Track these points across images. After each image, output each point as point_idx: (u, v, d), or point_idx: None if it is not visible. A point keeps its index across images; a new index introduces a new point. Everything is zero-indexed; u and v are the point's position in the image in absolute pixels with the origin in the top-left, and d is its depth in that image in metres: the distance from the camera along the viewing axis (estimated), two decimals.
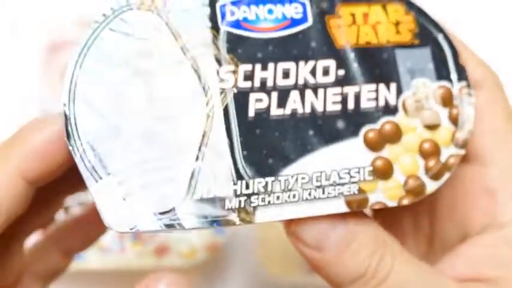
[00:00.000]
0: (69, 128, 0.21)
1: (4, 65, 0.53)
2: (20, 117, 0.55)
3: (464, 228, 0.24)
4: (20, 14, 0.57)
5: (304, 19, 0.23)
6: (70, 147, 0.21)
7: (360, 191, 0.22)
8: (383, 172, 0.22)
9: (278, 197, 0.21)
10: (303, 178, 0.22)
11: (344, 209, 0.22)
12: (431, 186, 0.22)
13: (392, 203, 0.22)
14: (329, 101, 0.22)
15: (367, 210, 0.23)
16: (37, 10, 0.57)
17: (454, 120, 0.23)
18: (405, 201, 0.22)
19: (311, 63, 0.22)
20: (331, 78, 0.22)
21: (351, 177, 0.22)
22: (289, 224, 0.22)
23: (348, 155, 0.22)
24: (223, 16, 0.22)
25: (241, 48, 0.22)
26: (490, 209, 0.24)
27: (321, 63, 0.22)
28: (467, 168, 0.25)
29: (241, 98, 0.22)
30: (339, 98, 0.22)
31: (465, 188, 0.25)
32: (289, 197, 0.21)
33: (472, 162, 0.24)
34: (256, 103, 0.22)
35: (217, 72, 0.22)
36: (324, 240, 0.21)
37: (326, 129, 0.22)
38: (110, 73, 0.21)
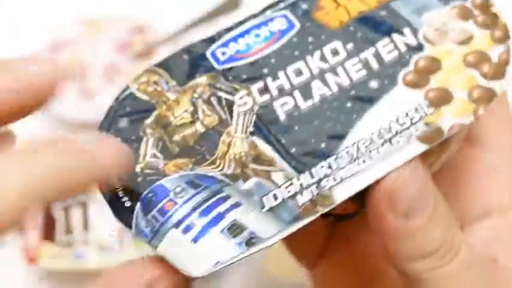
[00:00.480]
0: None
1: None
2: None
3: (465, 213, 0.24)
4: (20, 14, 0.57)
5: (291, 26, 0.24)
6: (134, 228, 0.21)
7: (428, 124, 0.22)
8: (441, 98, 0.22)
9: (349, 169, 0.21)
10: (364, 143, 0.22)
11: (421, 147, 0.21)
12: (498, 85, 0.22)
13: (469, 118, 0.22)
14: (352, 72, 0.23)
15: None
16: (37, 10, 0.57)
17: (484, 25, 0.23)
18: (480, 111, 0.22)
19: (317, 53, 0.23)
20: (342, 54, 0.23)
21: (412, 118, 0.22)
22: (372, 193, 0.21)
23: (397, 104, 0.22)
24: (217, 60, 0.23)
25: (245, 73, 0.23)
26: (492, 194, 0.24)
27: (327, 48, 0.23)
28: (470, 151, 0.25)
29: (265, 111, 0.22)
30: (359, 65, 0.23)
31: (467, 172, 0.24)
32: (358, 164, 0.21)
33: (475, 146, 0.25)
34: (283, 107, 0.22)
35: (233, 102, 0.23)
36: (415, 206, 0.21)
37: (362, 94, 0.22)
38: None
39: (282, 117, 0.22)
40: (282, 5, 0.24)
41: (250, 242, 0.20)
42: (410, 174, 0.21)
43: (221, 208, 0.21)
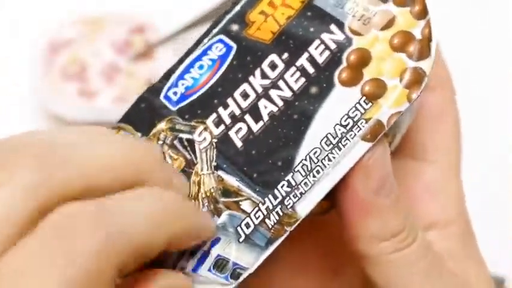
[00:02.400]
0: None
1: (4, 65, 0.53)
2: (20, 117, 0.55)
3: None
4: (20, 14, 0.57)
5: (228, 49, 0.24)
6: None
7: (368, 120, 0.22)
8: (375, 91, 0.22)
9: (306, 183, 0.22)
10: (314, 153, 0.22)
11: (367, 145, 0.22)
12: (425, 65, 0.22)
13: (404, 105, 0.22)
14: (292, 83, 0.23)
15: None
16: (37, 10, 0.57)
17: (402, 2, 0.23)
18: (414, 95, 0.22)
19: (257, 71, 0.23)
20: (280, 67, 0.23)
21: (353, 117, 0.22)
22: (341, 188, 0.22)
23: (338, 105, 0.22)
24: (171, 102, 0.24)
25: (199, 108, 0.23)
26: (433, 208, 0.24)
27: (265, 64, 0.23)
28: (413, 165, 0.25)
29: (223, 142, 0.23)
30: (298, 74, 0.23)
31: (408, 186, 0.25)
32: (314, 176, 0.22)
33: (419, 160, 0.25)
34: (238, 134, 0.23)
35: (194, 141, 0.23)
36: (385, 185, 0.21)
37: (304, 103, 0.23)
38: None
39: (239, 144, 0.23)
40: (214, 30, 0.24)
41: (235, 274, 0.21)
42: (381, 154, 0.21)
43: (205, 247, 0.22)
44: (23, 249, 0.15)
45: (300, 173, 0.22)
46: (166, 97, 0.24)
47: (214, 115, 0.23)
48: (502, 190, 0.47)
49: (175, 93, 0.24)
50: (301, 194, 0.22)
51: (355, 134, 0.22)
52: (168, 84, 0.24)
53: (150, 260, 0.18)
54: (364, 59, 0.23)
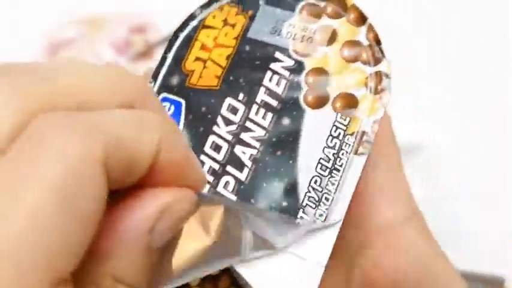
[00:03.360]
0: None
1: None
2: None
3: (361, 235, 0.24)
4: (20, 14, 0.57)
5: (177, 106, 0.23)
6: None
7: (353, 134, 0.22)
8: (348, 105, 0.22)
9: (321, 214, 0.21)
10: (315, 182, 0.22)
11: (363, 158, 0.22)
12: (384, 66, 0.22)
13: (381, 111, 0.22)
14: (260, 120, 0.22)
15: None
16: (37, 10, 0.57)
17: (336, 14, 0.23)
18: (385, 99, 0.22)
19: (219, 119, 0.22)
20: (241, 109, 0.22)
21: (336, 136, 0.22)
22: None
23: (317, 129, 0.22)
24: None
25: None
26: (380, 212, 0.24)
27: (224, 110, 0.22)
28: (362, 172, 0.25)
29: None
30: (262, 110, 0.22)
31: (359, 193, 0.25)
32: (324, 204, 0.21)
33: (366, 166, 0.25)
34: (227, 187, 0.22)
35: None
36: None
37: (282, 136, 0.22)
38: None
39: (233, 197, 0.22)
40: (154, 88, 0.23)
41: None
42: None
43: None
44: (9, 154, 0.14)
45: (309, 206, 0.21)
46: None
47: None
48: (502, 190, 0.47)
49: None
50: (323, 226, 0.21)
51: (347, 151, 0.22)
52: None
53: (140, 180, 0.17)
54: (323, 78, 0.22)
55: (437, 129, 0.45)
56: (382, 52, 0.23)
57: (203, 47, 0.23)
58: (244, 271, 0.21)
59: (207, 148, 0.22)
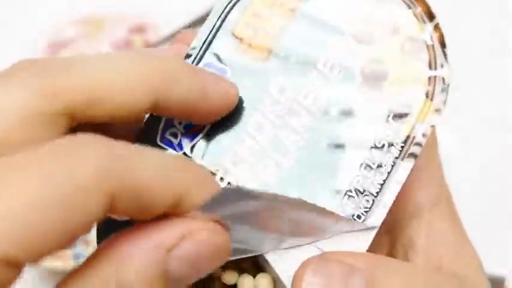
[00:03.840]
0: None
1: (4, 65, 0.53)
2: None
3: (396, 218, 0.24)
4: (20, 14, 0.57)
5: (222, 73, 0.21)
6: None
7: (404, 139, 0.21)
8: (403, 107, 0.21)
9: (358, 216, 0.21)
10: (358, 181, 0.21)
11: (409, 165, 0.21)
12: (445, 72, 0.21)
13: (435, 118, 0.21)
14: (308, 106, 0.21)
15: None
16: (36, 10, 0.57)
17: (403, 4, 0.21)
18: (442, 106, 0.21)
19: (266, 96, 0.21)
20: (289, 89, 0.21)
21: (385, 137, 0.21)
22: None
23: (366, 126, 0.21)
24: (171, 145, 0.21)
25: (208, 151, 0.21)
26: (417, 193, 0.24)
27: (273, 87, 0.21)
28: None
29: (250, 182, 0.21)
30: (312, 95, 0.21)
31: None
32: (365, 206, 0.21)
33: None
34: (265, 171, 0.21)
35: None
36: None
37: (328, 128, 0.21)
38: None
39: (271, 181, 0.21)
40: (200, 51, 0.21)
41: None
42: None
43: None
44: (23, 153, 0.15)
45: (349, 205, 0.21)
46: (165, 141, 0.21)
47: (229, 154, 0.21)
48: (502, 190, 0.47)
49: (174, 135, 0.21)
50: (358, 229, 0.21)
51: (394, 156, 0.21)
52: (162, 125, 0.21)
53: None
54: (380, 71, 0.21)
55: (440, 130, 0.45)
56: (445, 56, 0.21)
57: (256, 15, 0.21)
58: (271, 257, 0.20)
59: (249, 127, 0.21)
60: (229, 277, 0.21)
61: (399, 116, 0.21)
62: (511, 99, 0.49)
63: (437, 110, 0.21)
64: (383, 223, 0.24)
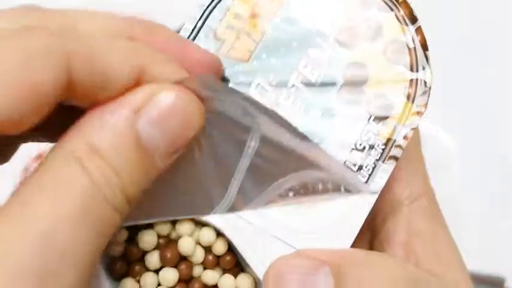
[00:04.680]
0: None
1: None
2: None
3: (377, 210, 0.24)
4: None
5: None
6: None
7: (384, 142, 0.21)
8: (383, 110, 0.21)
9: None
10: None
11: (390, 167, 0.21)
12: (427, 75, 0.22)
13: (416, 121, 0.21)
14: (288, 106, 0.21)
15: None
16: None
17: (385, 7, 0.22)
18: (423, 109, 0.21)
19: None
20: (270, 92, 0.21)
21: (366, 140, 0.21)
22: None
23: (346, 128, 0.21)
24: None
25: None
26: (400, 185, 0.24)
27: (252, 92, 0.21)
28: None
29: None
30: (291, 98, 0.21)
31: None
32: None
33: None
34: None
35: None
36: None
37: (310, 129, 0.21)
38: None
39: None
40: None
41: None
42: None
43: None
44: None
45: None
46: None
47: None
48: (502, 190, 0.47)
49: None
50: None
51: (376, 158, 0.21)
52: None
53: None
54: (361, 75, 0.21)
55: (439, 129, 0.45)
56: (427, 59, 0.22)
57: (237, 17, 0.22)
58: (249, 256, 0.21)
59: None
60: (210, 277, 0.22)
61: (380, 119, 0.21)
62: (508, 98, 0.49)
63: (419, 113, 0.21)
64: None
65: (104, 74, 0.17)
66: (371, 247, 0.25)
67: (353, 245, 0.22)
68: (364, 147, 0.21)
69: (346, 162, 0.21)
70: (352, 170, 0.21)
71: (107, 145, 0.16)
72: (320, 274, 0.19)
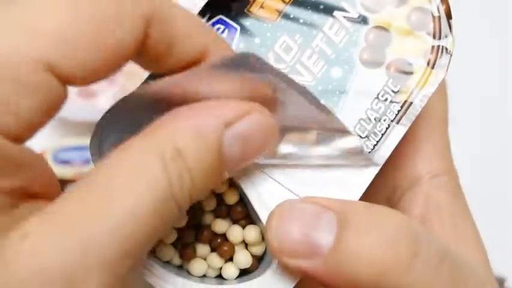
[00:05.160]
0: None
1: None
2: None
3: (398, 183, 0.25)
4: None
5: (231, 31, 0.22)
6: None
7: (400, 103, 0.22)
8: (403, 72, 0.22)
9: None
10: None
11: (403, 130, 0.22)
12: (449, 42, 0.22)
13: (434, 86, 0.22)
14: (311, 66, 0.22)
15: None
16: None
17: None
18: (441, 75, 0.22)
19: (270, 54, 0.22)
20: (294, 49, 0.22)
21: (384, 100, 0.22)
22: None
23: (365, 88, 0.21)
24: None
25: None
26: (422, 162, 0.24)
27: (278, 46, 0.22)
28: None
29: None
30: (315, 56, 0.22)
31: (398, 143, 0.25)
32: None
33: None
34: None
35: None
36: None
37: (329, 87, 0.22)
38: None
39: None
40: (214, 12, 0.22)
41: None
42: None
43: None
44: None
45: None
46: None
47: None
48: (502, 190, 0.47)
49: None
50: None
51: (390, 119, 0.21)
52: None
53: None
54: (384, 38, 0.22)
55: None
56: (450, 27, 0.22)
57: None
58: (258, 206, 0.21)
59: None
60: (220, 226, 0.22)
61: (399, 81, 0.22)
62: (508, 98, 0.49)
63: (437, 78, 0.22)
64: (383, 191, 0.24)
65: (176, 41, 0.18)
66: None
67: None
68: (379, 108, 0.21)
69: (361, 121, 0.21)
70: (360, 136, 0.21)
71: (192, 151, 0.17)
72: (324, 219, 0.19)
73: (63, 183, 0.42)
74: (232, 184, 0.22)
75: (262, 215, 0.21)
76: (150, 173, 0.16)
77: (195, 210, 0.22)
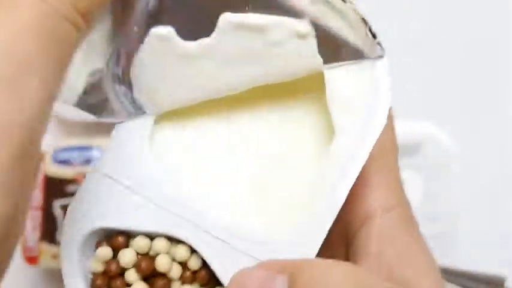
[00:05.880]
0: None
1: None
2: None
3: (350, 219, 0.25)
4: None
5: None
6: None
7: None
8: None
9: None
10: None
11: None
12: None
13: None
14: None
15: None
16: None
17: None
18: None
19: None
20: None
21: None
22: None
23: None
24: None
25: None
26: (373, 197, 0.24)
27: None
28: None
29: None
30: None
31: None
32: None
33: None
34: None
35: None
36: None
37: None
38: None
39: None
40: None
41: None
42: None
43: None
44: None
45: None
46: None
47: None
48: (502, 190, 0.47)
49: None
50: None
51: None
52: None
53: None
54: None
55: (438, 129, 0.45)
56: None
57: None
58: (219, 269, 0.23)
59: None
60: None
61: None
62: (508, 99, 0.49)
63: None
64: (338, 233, 0.24)
65: None
66: (347, 260, 0.25)
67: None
68: None
69: None
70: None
71: None
72: (277, 282, 0.20)
73: (63, 183, 0.42)
74: (194, 250, 0.23)
75: (223, 277, 0.22)
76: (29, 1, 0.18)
77: (162, 281, 0.23)
